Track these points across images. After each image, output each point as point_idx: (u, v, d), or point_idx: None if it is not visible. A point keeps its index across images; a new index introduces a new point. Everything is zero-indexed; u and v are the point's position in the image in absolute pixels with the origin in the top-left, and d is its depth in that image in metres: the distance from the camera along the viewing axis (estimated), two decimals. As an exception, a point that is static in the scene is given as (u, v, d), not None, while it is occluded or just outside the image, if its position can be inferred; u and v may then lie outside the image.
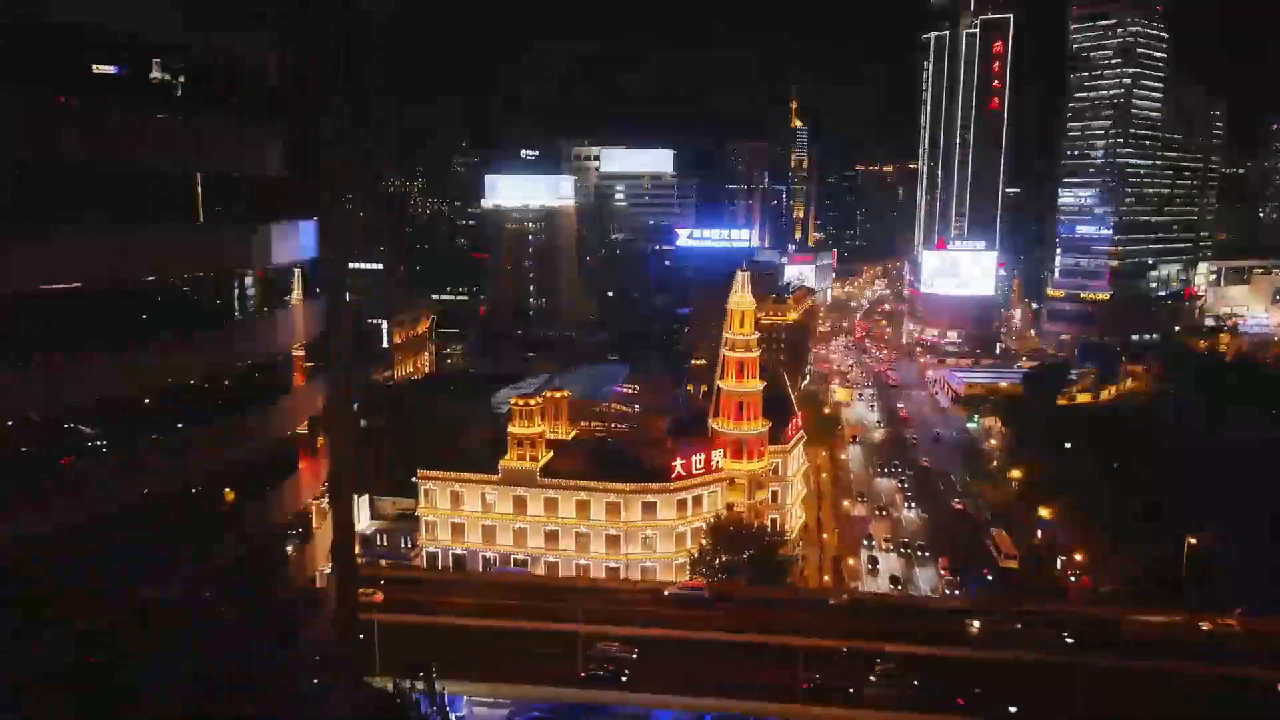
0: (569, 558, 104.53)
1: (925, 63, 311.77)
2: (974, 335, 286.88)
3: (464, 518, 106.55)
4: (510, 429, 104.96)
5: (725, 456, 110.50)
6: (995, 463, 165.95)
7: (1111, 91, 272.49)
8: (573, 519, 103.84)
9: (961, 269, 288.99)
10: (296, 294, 38.80)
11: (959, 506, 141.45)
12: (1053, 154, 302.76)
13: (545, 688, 68.55)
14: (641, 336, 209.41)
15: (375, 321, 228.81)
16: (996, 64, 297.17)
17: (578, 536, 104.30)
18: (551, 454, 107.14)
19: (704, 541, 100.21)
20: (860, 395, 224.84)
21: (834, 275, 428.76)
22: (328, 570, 39.65)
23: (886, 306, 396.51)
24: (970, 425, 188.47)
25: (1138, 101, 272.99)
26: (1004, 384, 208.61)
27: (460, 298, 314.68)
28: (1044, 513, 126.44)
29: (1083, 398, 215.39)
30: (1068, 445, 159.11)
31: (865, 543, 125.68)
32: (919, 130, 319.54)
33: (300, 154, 38.02)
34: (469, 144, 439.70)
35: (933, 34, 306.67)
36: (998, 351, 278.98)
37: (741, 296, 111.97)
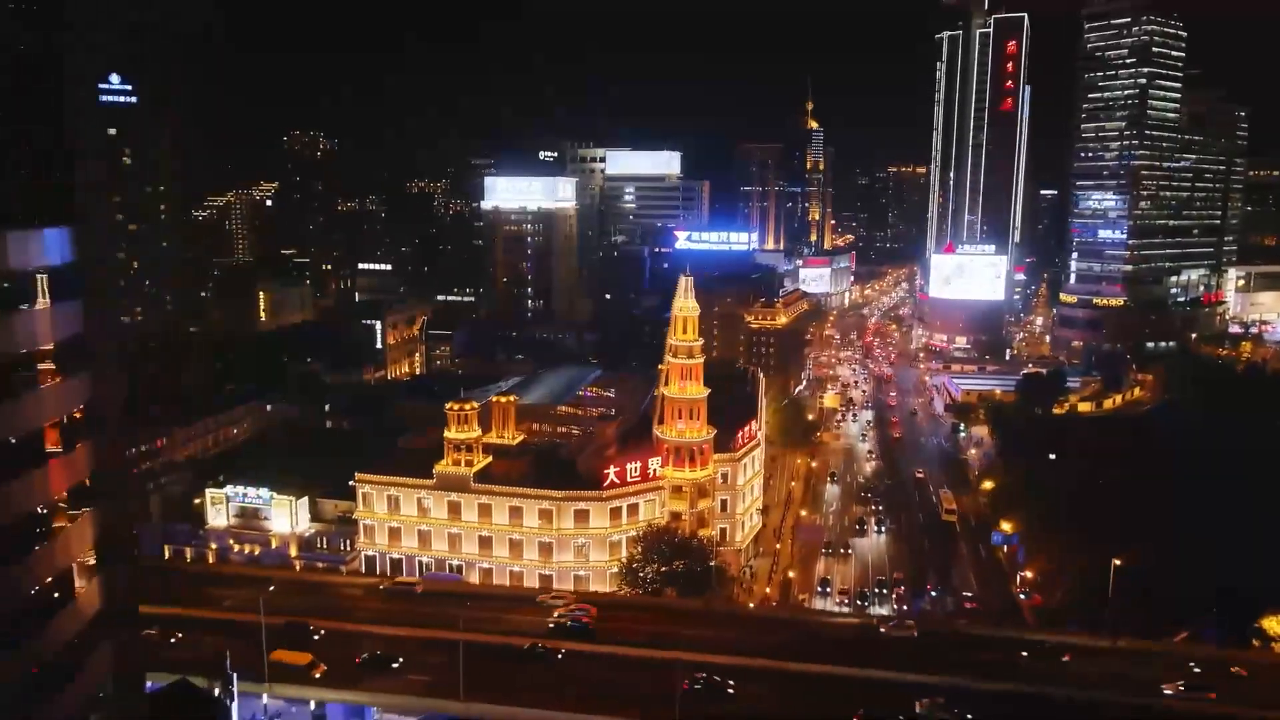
0: (503, 564, 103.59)
1: (938, 63, 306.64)
2: (982, 341, 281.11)
3: (400, 522, 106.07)
4: (446, 434, 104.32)
5: (669, 464, 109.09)
6: (977, 471, 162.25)
7: (1125, 92, 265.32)
8: (506, 525, 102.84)
9: (971, 273, 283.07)
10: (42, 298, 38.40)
11: (920, 476, 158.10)
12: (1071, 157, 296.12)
13: (415, 698, 67.64)
14: (631, 339, 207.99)
15: (369, 323, 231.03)
16: (1010, 64, 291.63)
17: (511, 543, 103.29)
18: (490, 459, 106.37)
19: (633, 550, 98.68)
20: (854, 415, 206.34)
21: (852, 278, 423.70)
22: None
23: (903, 311, 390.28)
24: (961, 434, 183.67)
25: (1153, 102, 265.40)
26: (999, 391, 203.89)
27: (467, 298, 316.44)
28: (1006, 526, 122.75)
29: (1084, 406, 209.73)
30: (1052, 455, 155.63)
31: (820, 589, 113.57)
32: (931, 132, 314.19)
33: (59, 160, 37.51)
34: (484, 145, 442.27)
35: (945, 34, 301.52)
36: (1007, 358, 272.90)
37: (684, 303, 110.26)
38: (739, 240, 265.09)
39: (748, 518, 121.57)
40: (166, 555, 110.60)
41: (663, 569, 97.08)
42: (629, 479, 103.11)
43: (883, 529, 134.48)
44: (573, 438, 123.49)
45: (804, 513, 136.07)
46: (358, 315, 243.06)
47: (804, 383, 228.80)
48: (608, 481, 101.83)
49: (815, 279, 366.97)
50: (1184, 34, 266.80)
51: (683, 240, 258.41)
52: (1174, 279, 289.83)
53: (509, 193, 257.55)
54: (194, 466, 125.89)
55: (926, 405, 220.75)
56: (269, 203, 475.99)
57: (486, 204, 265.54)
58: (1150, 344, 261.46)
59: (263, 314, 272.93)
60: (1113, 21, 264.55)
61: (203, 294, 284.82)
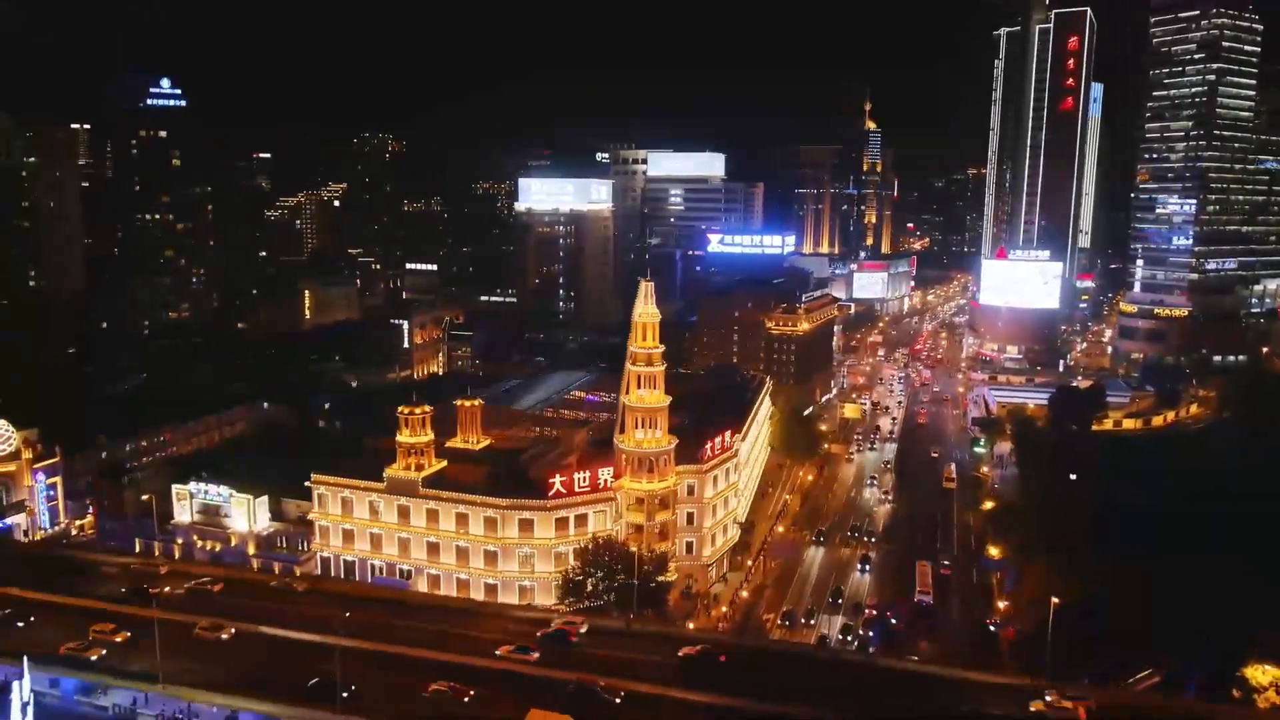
0: (450, 571, 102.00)
1: (996, 60, 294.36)
2: (1035, 351, 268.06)
3: (353, 524, 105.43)
4: (398, 438, 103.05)
5: (628, 474, 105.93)
6: (994, 488, 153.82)
7: (1193, 89, 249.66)
8: (452, 532, 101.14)
9: (1023, 280, 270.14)
10: None
11: (934, 454, 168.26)
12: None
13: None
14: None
15: (398, 323, 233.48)
16: (1071, 61, 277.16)
17: (458, 550, 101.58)
18: (444, 464, 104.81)
19: (572, 564, 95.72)
20: (873, 445, 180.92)
21: (912, 283, 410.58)
22: None
23: (962, 318, 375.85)
24: (978, 449, 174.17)
25: (1224, 100, 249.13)
26: (1032, 405, 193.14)
27: (509, 299, 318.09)
28: (993, 551, 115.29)
29: (1129, 423, 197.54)
30: (1073, 476, 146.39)
31: None
32: (988, 132, 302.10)
33: None
34: (544, 149, 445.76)
35: (1003, 30, 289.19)
36: (1060, 369, 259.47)
37: (645, 309, 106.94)
38: (772, 243, 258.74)
39: (720, 532, 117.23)
40: (138, 549, 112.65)
41: (604, 583, 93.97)
42: (576, 489, 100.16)
43: (867, 569, 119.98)
44: (544, 443, 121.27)
45: (781, 529, 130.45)
46: (390, 315, 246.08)
47: (833, 392, 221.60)
48: (553, 491, 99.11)
49: (870, 284, 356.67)
50: (1259, 27, 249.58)
51: (715, 243, 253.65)
52: (1251, 288, 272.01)
53: (542, 194, 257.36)
54: (175, 464, 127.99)
55: (961, 417, 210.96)
56: (336, 203, 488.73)
57: (520, 205, 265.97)
58: (1217, 357, 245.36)
59: (308, 313, 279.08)
60: (1180, 15, 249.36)
61: (254, 292, 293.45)
